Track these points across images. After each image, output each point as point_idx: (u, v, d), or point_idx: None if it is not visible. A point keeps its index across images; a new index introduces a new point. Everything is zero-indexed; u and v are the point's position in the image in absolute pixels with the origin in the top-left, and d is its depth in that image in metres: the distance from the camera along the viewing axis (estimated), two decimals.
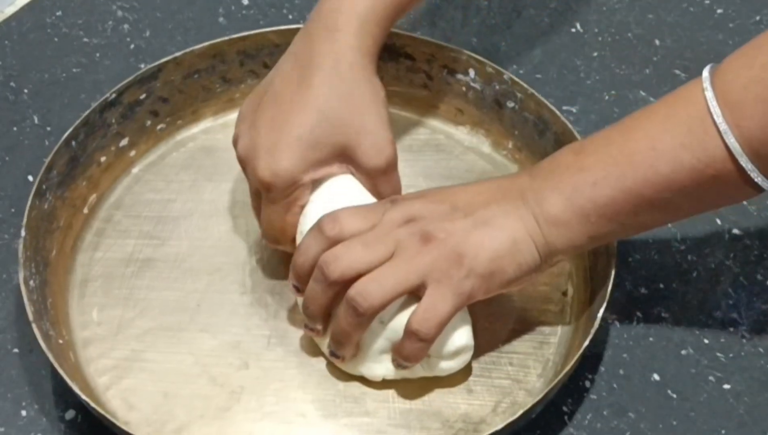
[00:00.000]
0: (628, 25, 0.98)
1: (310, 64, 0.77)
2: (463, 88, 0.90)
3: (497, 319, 0.79)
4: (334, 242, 0.73)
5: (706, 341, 0.78)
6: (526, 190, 0.73)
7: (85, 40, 0.98)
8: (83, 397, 0.70)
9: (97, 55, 0.96)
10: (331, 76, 0.77)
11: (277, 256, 0.82)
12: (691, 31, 0.97)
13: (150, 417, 0.74)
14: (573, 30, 0.98)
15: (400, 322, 0.73)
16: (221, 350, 0.78)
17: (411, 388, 0.76)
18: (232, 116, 0.91)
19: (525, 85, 0.86)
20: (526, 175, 0.74)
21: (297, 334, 0.78)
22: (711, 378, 0.77)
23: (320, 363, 0.77)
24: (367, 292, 0.71)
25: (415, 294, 0.72)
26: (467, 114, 0.90)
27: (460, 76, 0.89)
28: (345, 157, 0.77)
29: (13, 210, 0.86)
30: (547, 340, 0.79)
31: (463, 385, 0.76)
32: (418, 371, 0.75)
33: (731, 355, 0.78)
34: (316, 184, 0.78)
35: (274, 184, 0.76)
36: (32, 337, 0.73)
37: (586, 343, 0.73)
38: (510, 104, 0.88)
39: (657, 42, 0.97)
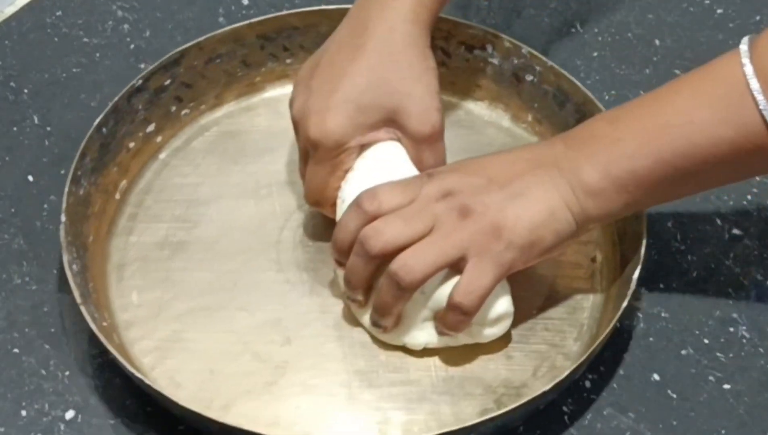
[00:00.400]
0: (628, 25, 0.98)
1: (364, 32, 0.79)
2: (481, 64, 0.91)
3: (530, 287, 0.80)
4: (373, 217, 0.74)
5: (706, 341, 0.79)
6: (561, 159, 0.74)
7: (85, 40, 0.98)
8: (137, 374, 0.71)
9: (97, 55, 0.97)
10: (384, 43, 0.78)
11: (309, 234, 0.84)
12: (691, 31, 0.98)
13: (197, 394, 0.75)
14: (573, 30, 0.98)
15: (440, 292, 0.74)
16: (262, 327, 0.79)
17: (451, 357, 0.77)
18: (254, 100, 0.93)
19: (544, 58, 0.88)
20: (560, 143, 0.75)
21: (335, 308, 0.80)
22: (711, 378, 0.77)
23: (360, 335, 0.78)
24: (409, 266, 0.72)
25: (455, 267, 0.73)
26: (485, 89, 0.92)
27: (477, 52, 0.91)
28: (393, 122, 0.79)
29: (13, 210, 0.86)
30: (580, 305, 0.80)
31: (502, 351, 0.78)
32: (460, 339, 0.76)
33: (731, 355, 0.78)
34: (362, 150, 0.79)
35: (322, 143, 0.78)
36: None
37: (625, 303, 0.74)
38: (528, 78, 0.89)
39: (657, 42, 0.97)
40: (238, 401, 0.75)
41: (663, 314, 0.80)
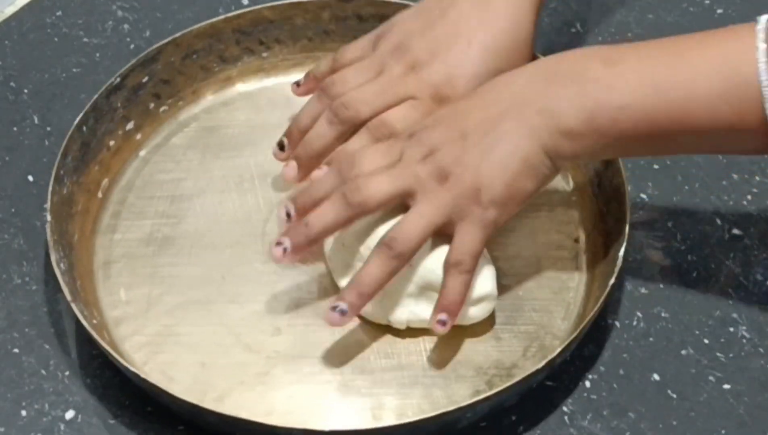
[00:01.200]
0: (628, 25, 0.98)
1: None
2: None
3: (515, 269, 0.81)
4: (355, 177, 0.75)
5: (706, 341, 0.79)
6: (541, 97, 0.73)
7: (85, 40, 0.98)
8: (131, 368, 0.71)
9: (97, 55, 0.96)
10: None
11: None
12: (691, 31, 0.97)
13: (191, 387, 0.75)
14: (573, 30, 0.98)
15: (426, 264, 0.75)
16: (252, 318, 0.79)
17: (442, 341, 0.78)
18: (231, 94, 0.93)
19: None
20: (541, 75, 0.74)
21: (324, 297, 0.80)
22: (711, 378, 0.77)
23: (350, 323, 0.78)
24: (401, 238, 0.74)
25: (442, 232, 0.75)
26: None
27: None
28: None
29: (13, 210, 0.86)
30: (566, 285, 0.81)
31: (490, 333, 0.78)
32: None
33: (731, 355, 0.78)
34: None
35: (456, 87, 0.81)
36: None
37: (612, 280, 0.75)
38: None
39: None
40: (232, 393, 0.75)
41: (663, 314, 0.80)
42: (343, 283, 0.78)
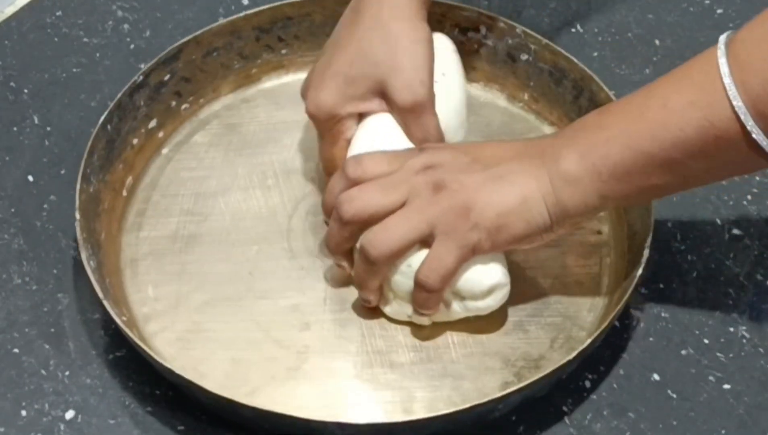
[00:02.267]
0: (628, 25, 0.98)
1: (358, 9, 0.81)
2: (475, 46, 0.92)
3: (540, 263, 0.82)
4: (354, 184, 0.76)
5: (706, 341, 0.79)
6: (547, 149, 0.74)
7: (85, 40, 0.98)
8: (165, 364, 0.72)
9: (97, 55, 0.96)
10: (374, 18, 0.80)
11: (317, 221, 0.84)
12: (691, 31, 0.98)
13: (223, 383, 0.75)
14: (573, 30, 0.98)
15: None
16: (281, 314, 0.79)
17: (468, 334, 0.78)
18: (251, 92, 0.93)
19: (539, 36, 0.89)
20: (552, 136, 0.76)
21: (350, 291, 0.80)
22: (711, 378, 0.77)
23: (378, 316, 0.79)
24: (377, 240, 0.74)
25: (425, 243, 0.75)
26: (480, 70, 0.93)
27: (471, 34, 0.92)
28: (381, 94, 0.80)
29: (13, 210, 0.86)
30: (591, 277, 0.82)
31: (516, 325, 0.79)
32: (455, 314, 0.77)
33: (731, 355, 0.78)
34: (361, 118, 0.81)
35: (317, 115, 0.81)
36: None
37: (639, 271, 0.76)
38: (523, 57, 0.91)
39: (657, 42, 0.97)
40: (263, 388, 0.76)
41: (663, 314, 0.80)
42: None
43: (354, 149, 0.80)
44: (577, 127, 0.75)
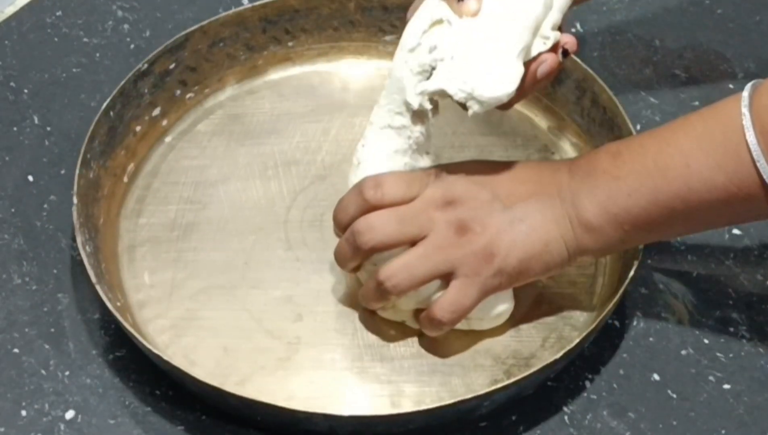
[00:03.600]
0: (628, 25, 0.98)
1: None
2: None
3: None
4: (371, 208, 0.75)
5: (706, 341, 0.79)
6: (564, 188, 0.75)
7: (85, 40, 0.98)
8: (155, 351, 0.72)
9: (97, 55, 0.97)
10: None
11: (316, 213, 0.85)
12: (691, 31, 0.98)
13: (213, 371, 0.76)
14: (573, 30, 0.98)
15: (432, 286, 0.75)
16: (274, 304, 0.80)
17: (460, 331, 0.78)
18: (257, 83, 0.94)
19: None
20: (566, 170, 0.76)
21: (344, 285, 0.81)
22: (711, 378, 0.77)
23: (372, 311, 0.79)
24: (398, 279, 0.74)
25: (442, 278, 0.75)
26: None
27: None
28: None
29: (13, 210, 0.86)
30: (585, 277, 0.82)
31: (509, 324, 0.79)
32: (458, 326, 0.77)
33: (731, 355, 0.78)
34: None
35: None
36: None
37: (632, 272, 0.76)
38: None
39: (657, 42, 0.97)
40: (253, 377, 0.76)
41: (663, 314, 0.80)
42: None
43: (371, 140, 0.77)
44: (590, 167, 0.75)
